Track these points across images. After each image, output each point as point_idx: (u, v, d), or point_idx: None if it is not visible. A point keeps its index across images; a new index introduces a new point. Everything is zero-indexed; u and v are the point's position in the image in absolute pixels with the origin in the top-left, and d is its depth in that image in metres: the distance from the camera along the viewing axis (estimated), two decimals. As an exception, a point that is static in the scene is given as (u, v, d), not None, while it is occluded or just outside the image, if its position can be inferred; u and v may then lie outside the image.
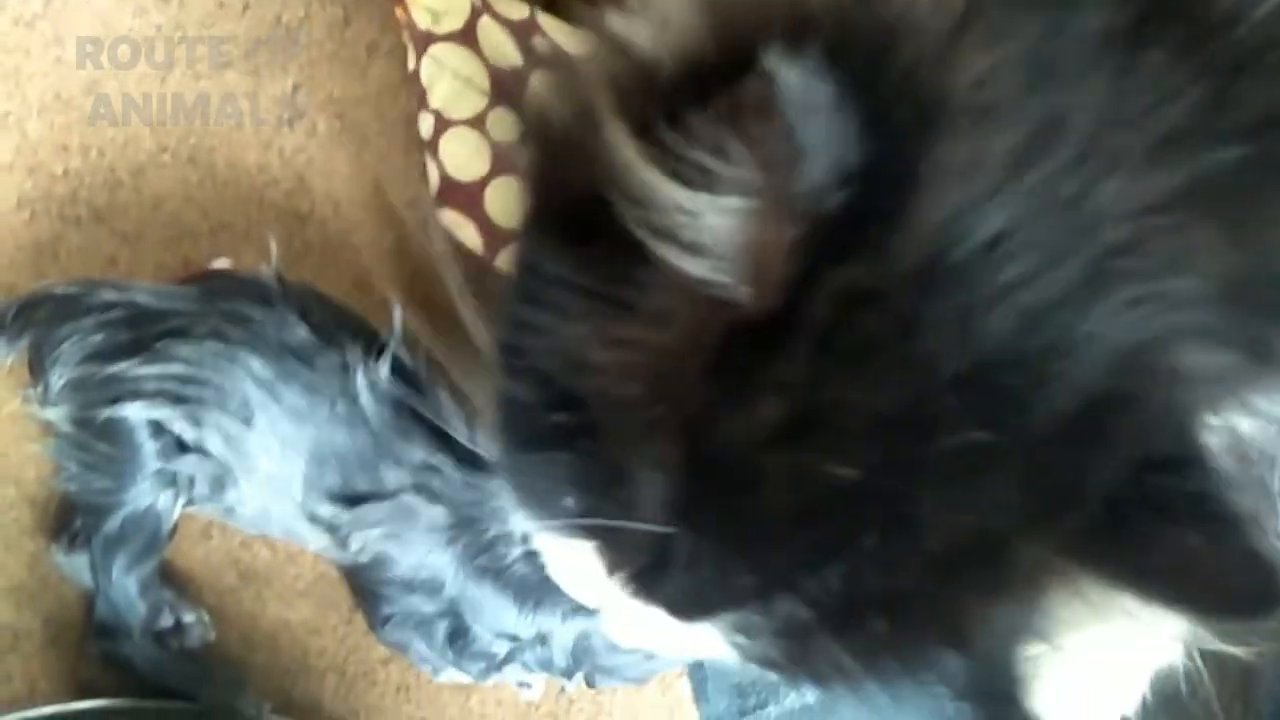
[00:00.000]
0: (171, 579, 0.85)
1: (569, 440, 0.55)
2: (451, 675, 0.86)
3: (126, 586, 0.81)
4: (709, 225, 0.46)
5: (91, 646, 0.83)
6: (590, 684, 0.89)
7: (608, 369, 0.52)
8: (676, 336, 0.50)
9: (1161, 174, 0.46)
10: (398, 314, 0.82)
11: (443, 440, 0.81)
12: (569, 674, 0.86)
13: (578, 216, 0.54)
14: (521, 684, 0.89)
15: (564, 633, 0.84)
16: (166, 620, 0.84)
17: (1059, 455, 0.47)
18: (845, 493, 0.47)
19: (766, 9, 0.47)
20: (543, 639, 0.84)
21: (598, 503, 0.56)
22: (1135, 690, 0.70)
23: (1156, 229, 0.46)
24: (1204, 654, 0.66)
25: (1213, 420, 0.50)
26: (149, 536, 0.81)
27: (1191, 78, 0.46)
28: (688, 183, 0.46)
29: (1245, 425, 0.52)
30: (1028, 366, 0.46)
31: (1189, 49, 0.47)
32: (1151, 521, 0.48)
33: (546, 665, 0.85)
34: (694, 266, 0.47)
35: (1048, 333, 0.45)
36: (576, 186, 0.54)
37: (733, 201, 0.45)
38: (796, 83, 0.42)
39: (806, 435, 0.47)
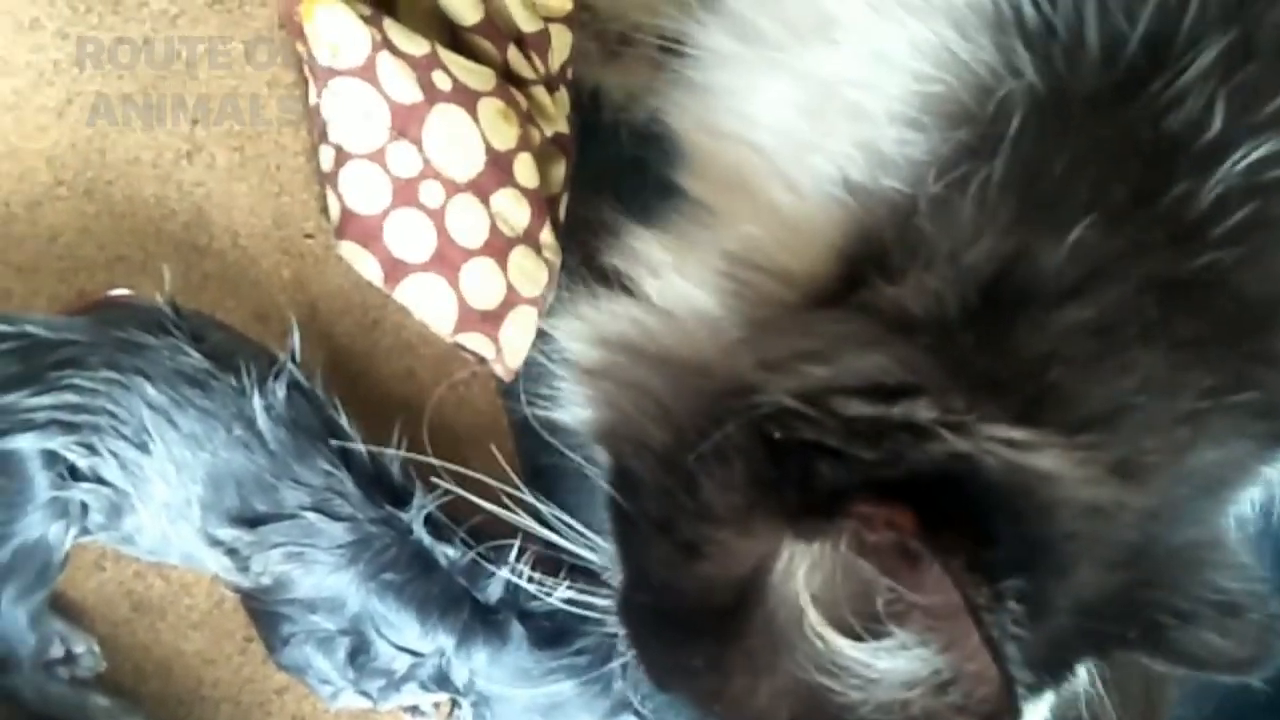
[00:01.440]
0: (63, 610, 0.84)
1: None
2: (349, 699, 0.86)
3: (16, 617, 0.80)
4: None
5: (-20, 678, 0.82)
6: None
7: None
8: None
9: None
10: (295, 336, 0.83)
11: (342, 459, 0.82)
12: (465, 692, 0.86)
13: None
14: (416, 712, 0.90)
15: (461, 653, 0.85)
16: (57, 651, 0.83)
17: None
18: None
19: None
20: (441, 653, 0.84)
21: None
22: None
23: None
24: (1105, 681, 0.72)
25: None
26: (40, 567, 0.80)
27: None
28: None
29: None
30: None
31: None
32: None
33: (443, 682, 0.86)
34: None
35: None
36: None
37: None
38: None
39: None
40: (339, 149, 0.89)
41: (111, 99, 0.87)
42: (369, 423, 0.87)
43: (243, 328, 0.87)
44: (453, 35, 0.94)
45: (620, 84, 1.00)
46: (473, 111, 0.90)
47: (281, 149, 0.91)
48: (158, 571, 0.87)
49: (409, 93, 0.88)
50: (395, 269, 0.90)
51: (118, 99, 0.87)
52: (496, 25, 0.94)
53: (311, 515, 0.80)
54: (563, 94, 0.97)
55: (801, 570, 0.59)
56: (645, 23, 0.95)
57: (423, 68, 0.89)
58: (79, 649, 0.83)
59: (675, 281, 0.69)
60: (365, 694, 0.86)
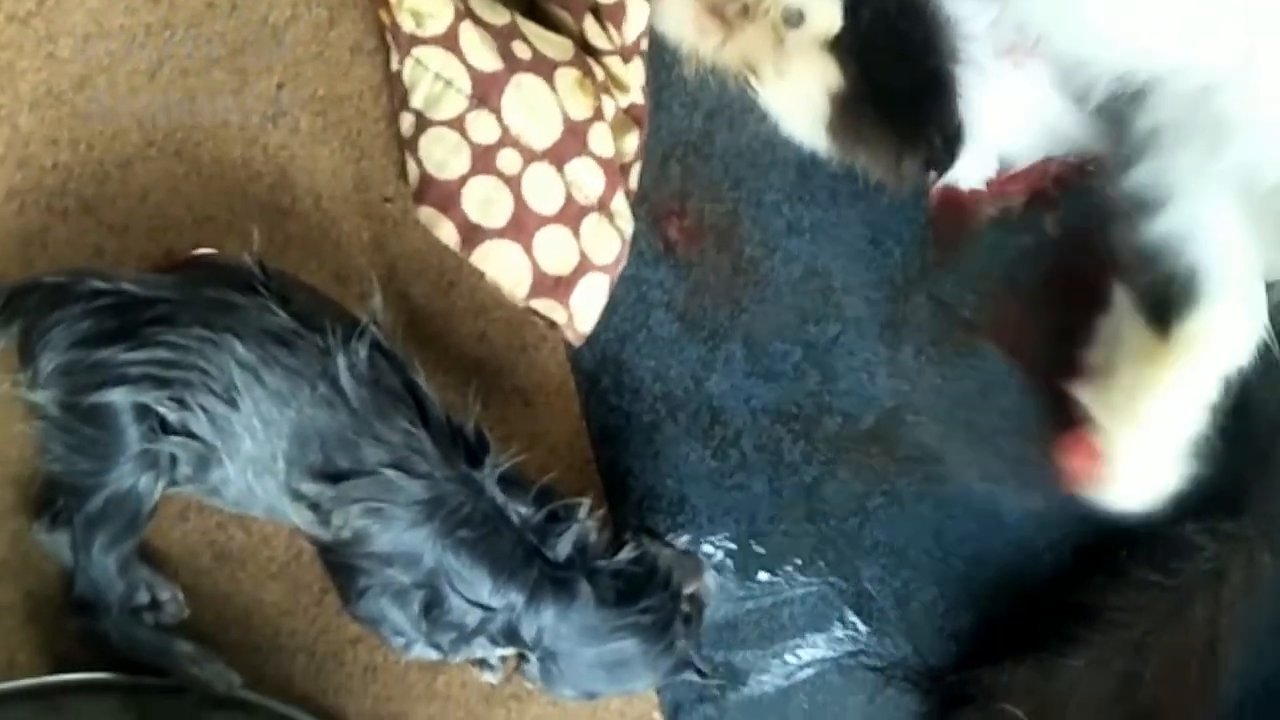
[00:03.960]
0: (149, 558, 0.87)
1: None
2: (420, 651, 0.89)
3: (106, 565, 0.84)
4: None
5: (70, 622, 0.85)
6: (545, 679, 0.92)
7: None
8: None
9: None
10: (376, 299, 0.85)
11: (421, 418, 0.84)
12: (533, 647, 0.89)
13: None
14: (485, 665, 0.93)
15: (530, 610, 0.87)
16: (143, 597, 0.86)
17: None
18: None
19: None
20: (511, 609, 0.86)
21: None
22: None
23: None
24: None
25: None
26: (130, 517, 0.83)
27: None
28: None
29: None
30: None
31: None
32: None
33: (512, 637, 0.88)
34: None
35: None
36: None
37: None
38: None
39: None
40: (419, 115, 0.91)
41: (201, 62, 0.89)
42: (444, 383, 0.90)
43: (324, 288, 0.89)
44: (531, 5, 0.96)
45: (740, 57, 1.03)
46: (551, 81, 0.93)
47: (363, 114, 0.93)
48: (239, 523, 0.90)
49: (490, 61, 0.91)
50: (472, 234, 0.93)
51: (207, 62, 0.89)
52: (575, -5, 0.96)
53: (390, 472, 0.83)
54: (637, 64, 0.99)
55: None
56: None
57: (503, 37, 0.91)
58: (164, 596, 0.87)
59: None
60: (436, 646, 0.88)
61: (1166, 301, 1.08)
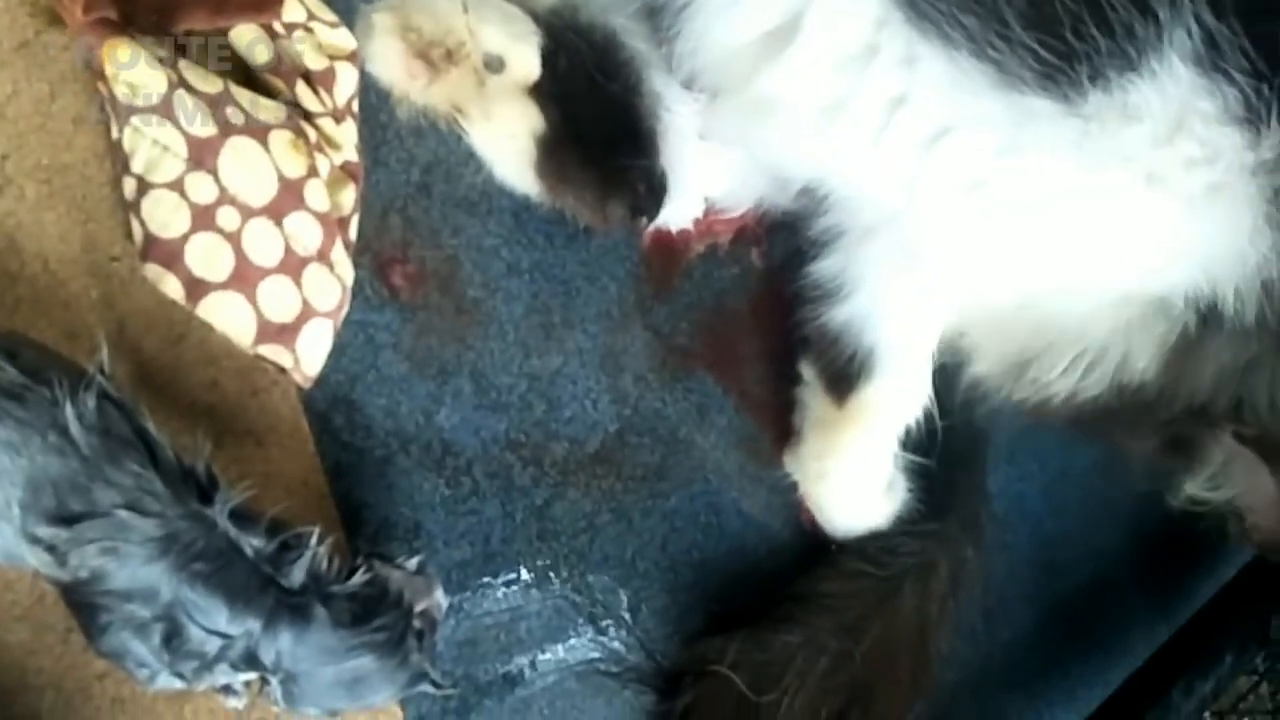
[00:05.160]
0: (-106, 610, 0.91)
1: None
2: (165, 681, 0.93)
3: None
4: None
5: None
6: (288, 700, 0.96)
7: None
8: None
9: None
10: (103, 352, 0.90)
11: (151, 461, 0.89)
12: (273, 671, 0.94)
13: None
14: (229, 690, 0.97)
15: (268, 635, 0.92)
16: (-113, 648, 0.90)
17: None
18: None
19: None
20: (250, 635, 0.91)
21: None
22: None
23: None
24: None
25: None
26: None
27: None
28: None
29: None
30: None
31: None
32: None
33: (252, 662, 0.93)
34: None
35: None
36: None
37: None
38: None
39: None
40: (140, 179, 0.97)
41: (-76, 139, 0.94)
42: (177, 428, 0.95)
43: (55, 346, 0.93)
44: (246, 74, 1.03)
45: (447, 100, 1.11)
46: (265, 142, 0.99)
47: (88, 180, 0.98)
48: (-19, 571, 0.94)
49: (204, 127, 0.97)
50: (197, 288, 0.98)
51: (-69, 137, 0.94)
52: (285, 64, 1.02)
53: (123, 513, 0.87)
54: (349, 124, 1.06)
55: None
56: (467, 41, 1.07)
57: (217, 104, 0.97)
58: (-91, 645, 0.90)
59: None
60: (180, 675, 0.92)
61: (845, 375, 1.22)
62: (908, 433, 1.27)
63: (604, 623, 1.21)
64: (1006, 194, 1.00)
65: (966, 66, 0.96)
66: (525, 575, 1.17)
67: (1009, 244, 1.05)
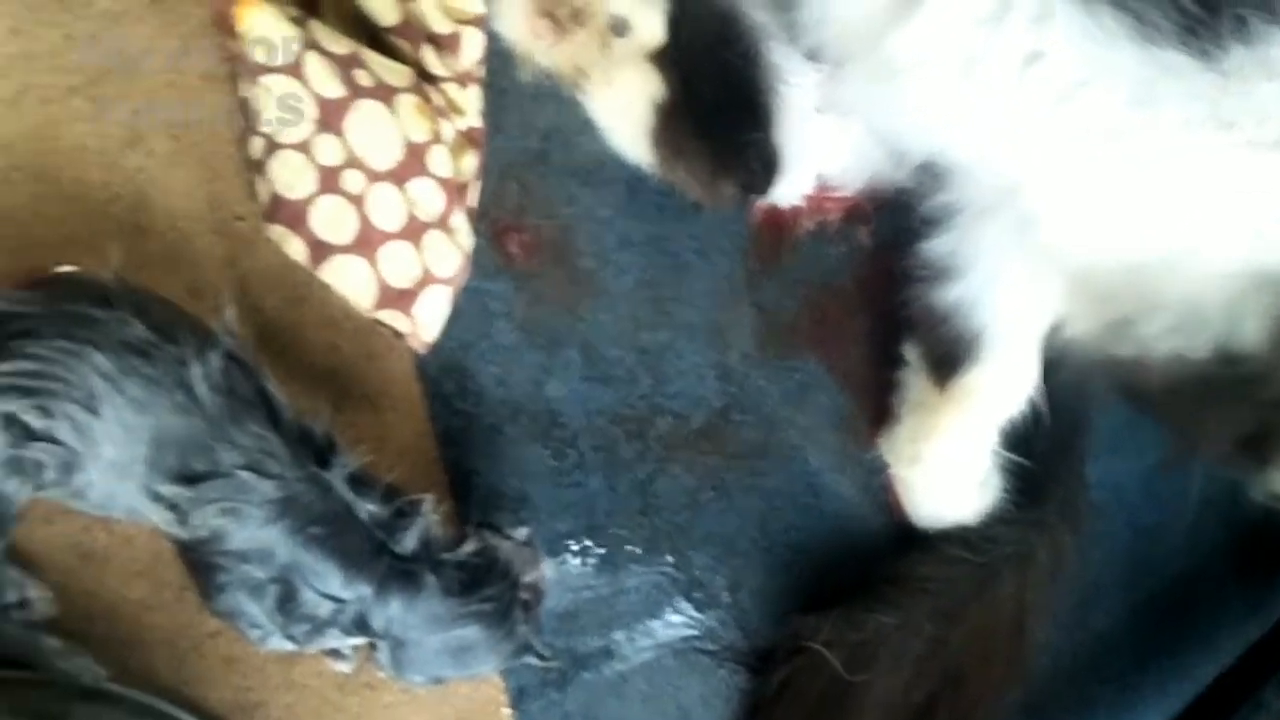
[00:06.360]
0: (17, 559, 0.91)
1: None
2: (276, 643, 0.94)
3: (-27, 566, 0.88)
4: None
5: (-60, 620, 0.89)
6: (395, 667, 0.97)
7: None
8: None
9: None
10: (229, 312, 0.91)
11: (272, 423, 0.90)
12: (382, 636, 0.94)
13: None
14: (338, 654, 0.98)
15: (379, 601, 0.93)
16: (12, 597, 0.89)
17: None
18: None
19: None
20: (361, 600, 0.92)
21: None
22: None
23: None
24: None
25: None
26: (-3, 519, 0.88)
27: None
28: None
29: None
30: None
31: None
32: None
33: (362, 627, 0.93)
34: None
35: None
36: None
37: None
38: None
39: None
40: (268, 139, 0.97)
41: (61, 91, 0.94)
42: (296, 390, 0.95)
43: (180, 303, 0.94)
44: (373, 36, 1.03)
45: (570, 61, 1.10)
46: (391, 106, 0.99)
47: (215, 138, 0.98)
48: (103, 525, 0.94)
49: (333, 88, 0.96)
50: (320, 250, 0.98)
51: (67, 91, 0.94)
52: (413, 27, 1.02)
53: (245, 474, 0.88)
54: (474, 90, 1.05)
55: None
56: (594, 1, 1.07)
57: (346, 65, 0.97)
58: (32, 595, 0.90)
59: None
60: (291, 638, 0.94)
61: (950, 358, 1.19)
62: (1008, 428, 1.25)
63: (702, 600, 1.20)
64: (1134, 149, 0.97)
65: (1104, 19, 0.93)
66: (627, 549, 1.16)
67: (1129, 205, 1.01)
